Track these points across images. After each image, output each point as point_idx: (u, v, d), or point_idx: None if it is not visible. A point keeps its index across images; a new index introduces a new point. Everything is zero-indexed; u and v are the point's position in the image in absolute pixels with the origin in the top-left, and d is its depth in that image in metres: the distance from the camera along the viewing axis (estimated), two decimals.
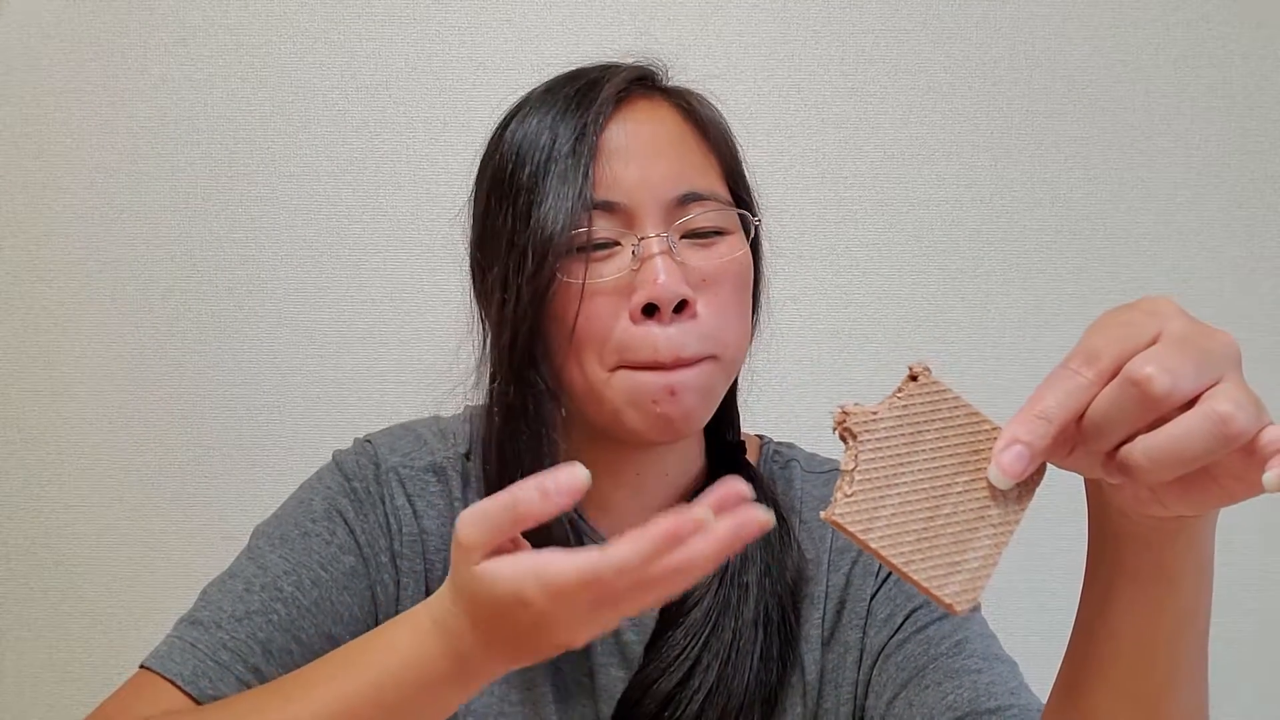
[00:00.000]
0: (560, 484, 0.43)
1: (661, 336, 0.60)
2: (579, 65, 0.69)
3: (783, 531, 0.70)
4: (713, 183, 0.65)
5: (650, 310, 0.60)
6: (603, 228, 0.61)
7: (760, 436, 0.80)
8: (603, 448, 0.68)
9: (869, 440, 0.44)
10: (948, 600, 0.43)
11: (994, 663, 0.65)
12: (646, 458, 0.70)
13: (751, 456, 0.77)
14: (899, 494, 0.44)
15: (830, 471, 0.77)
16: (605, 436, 0.67)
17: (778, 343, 1.29)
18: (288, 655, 0.63)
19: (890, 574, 0.69)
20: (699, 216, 0.63)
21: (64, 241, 1.24)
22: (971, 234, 1.26)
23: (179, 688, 0.60)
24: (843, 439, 0.45)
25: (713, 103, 0.71)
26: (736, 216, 0.66)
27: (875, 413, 0.45)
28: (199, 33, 1.23)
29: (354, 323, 1.24)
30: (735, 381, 0.72)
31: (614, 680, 0.69)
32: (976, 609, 0.70)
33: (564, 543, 0.69)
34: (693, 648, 0.66)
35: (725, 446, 0.75)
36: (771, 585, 0.68)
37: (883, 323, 1.26)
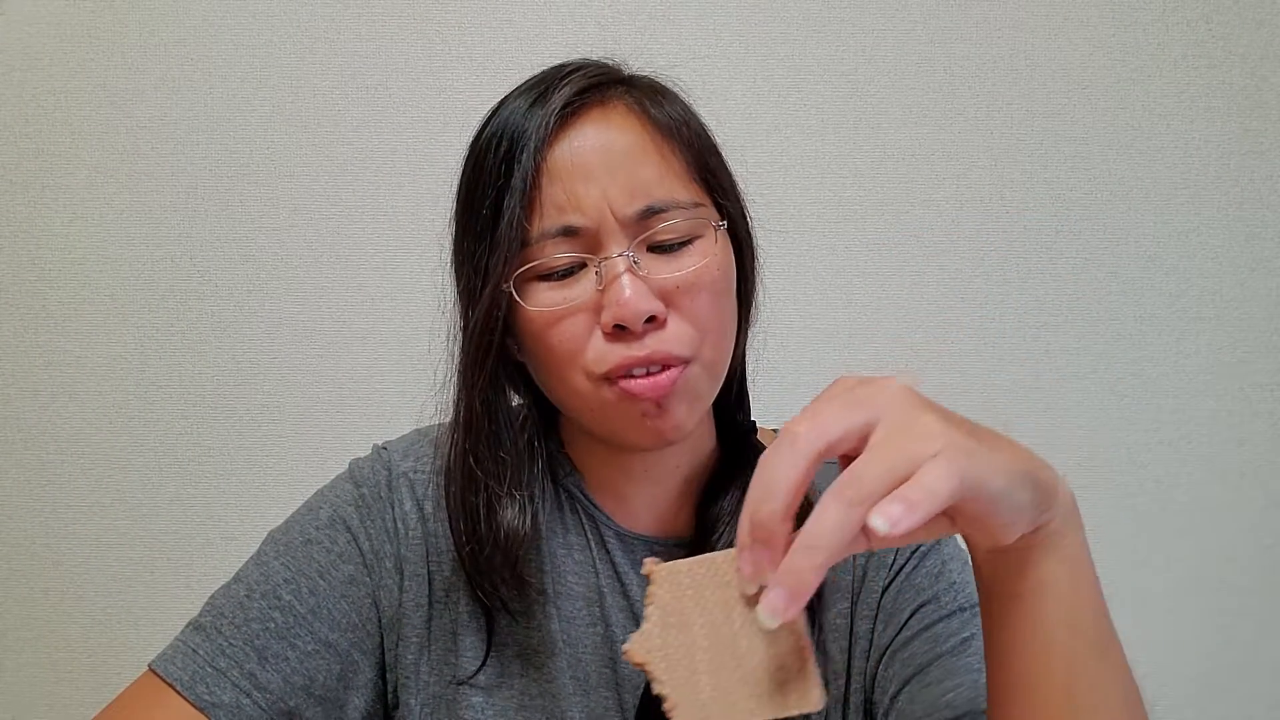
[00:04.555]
0: None
1: (636, 347, 0.61)
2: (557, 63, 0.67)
3: (803, 511, 0.70)
4: (674, 189, 0.63)
5: (621, 328, 0.61)
6: (565, 253, 0.62)
7: (776, 431, 0.80)
8: (609, 446, 0.70)
9: (657, 659, 0.46)
10: (806, 709, 0.43)
11: None
12: (652, 454, 0.71)
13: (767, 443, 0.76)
14: (706, 676, 0.45)
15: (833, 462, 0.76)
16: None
17: (778, 343, 1.30)
18: (283, 661, 0.65)
19: (901, 568, 0.70)
20: (662, 230, 0.62)
21: (64, 241, 1.24)
22: (971, 234, 1.26)
23: (178, 692, 0.63)
24: (655, 689, 0.46)
25: (676, 91, 0.68)
26: (705, 218, 0.64)
27: (644, 632, 0.46)
28: (199, 33, 1.23)
29: (354, 323, 1.24)
30: (743, 363, 0.73)
31: (635, 670, 0.69)
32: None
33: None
34: None
35: (736, 427, 0.75)
36: None
37: (883, 323, 1.26)
